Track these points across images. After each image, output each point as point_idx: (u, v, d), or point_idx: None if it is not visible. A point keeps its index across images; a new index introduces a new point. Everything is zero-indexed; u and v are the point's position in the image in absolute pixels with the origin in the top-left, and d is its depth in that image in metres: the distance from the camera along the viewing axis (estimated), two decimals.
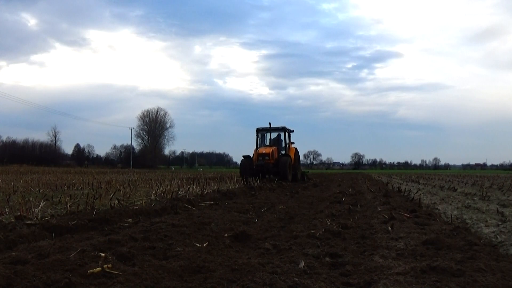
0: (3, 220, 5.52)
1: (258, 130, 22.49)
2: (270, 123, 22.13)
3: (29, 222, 5.34)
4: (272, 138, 22.99)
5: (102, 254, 3.47)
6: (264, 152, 20.63)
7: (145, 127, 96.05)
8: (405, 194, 12.02)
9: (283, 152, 22.27)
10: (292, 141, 23.03)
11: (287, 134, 22.87)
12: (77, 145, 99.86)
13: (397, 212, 6.84)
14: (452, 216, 7.13)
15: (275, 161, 20.69)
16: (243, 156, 21.96)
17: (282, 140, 22.65)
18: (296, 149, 23.14)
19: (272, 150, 20.75)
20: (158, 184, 14.99)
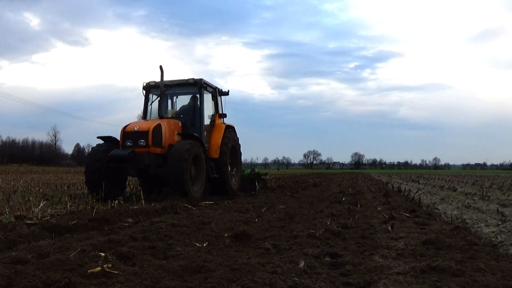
0: (3, 220, 5.52)
1: (149, 87, 11.31)
2: (161, 67, 10.51)
3: (29, 222, 5.34)
4: (182, 106, 11.76)
5: (102, 254, 3.47)
6: (136, 129, 9.73)
7: None
8: (405, 194, 12.02)
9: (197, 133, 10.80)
10: (223, 112, 12.14)
11: (211, 97, 11.93)
12: (77, 145, 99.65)
13: (397, 212, 6.84)
14: (452, 216, 7.13)
15: (165, 152, 9.78)
16: (99, 140, 10.42)
17: (197, 109, 11.24)
18: (228, 128, 11.94)
19: (155, 127, 9.71)
20: None
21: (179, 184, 9.18)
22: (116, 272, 3.13)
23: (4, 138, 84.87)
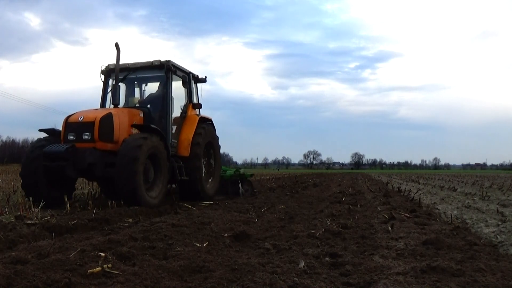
0: (3, 220, 5.52)
1: (109, 71, 9.43)
2: (117, 45, 8.61)
3: (29, 222, 5.34)
4: (151, 94, 10.01)
5: (102, 254, 3.47)
6: (80, 120, 8.14)
7: None
8: (405, 194, 12.01)
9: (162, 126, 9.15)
10: (198, 102, 10.41)
11: (182, 83, 9.91)
12: None
13: (397, 212, 6.84)
14: (452, 216, 7.13)
15: (117, 148, 7.96)
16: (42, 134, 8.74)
17: (164, 97, 9.37)
18: (202, 120, 10.22)
19: (104, 117, 8.09)
20: None
21: (129, 189, 7.46)
22: (116, 272, 3.13)
23: (4, 138, 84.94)
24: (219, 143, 11.11)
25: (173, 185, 10.56)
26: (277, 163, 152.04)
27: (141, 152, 7.62)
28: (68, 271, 3.08)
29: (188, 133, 9.66)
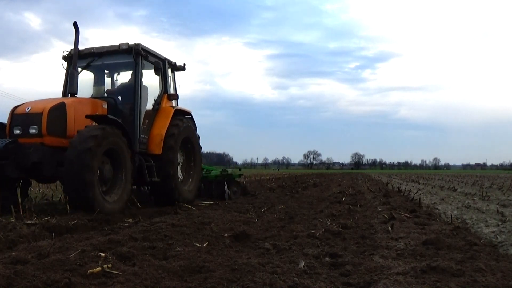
0: (3, 220, 5.51)
1: (72, 57, 7.96)
2: (75, 25, 7.67)
3: (29, 222, 5.34)
4: (122, 83, 8.96)
5: (102, 254, 3.48)
6: (27, 111, 7.04)
7: None
8: (405, 194, 12.01)
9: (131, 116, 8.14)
10: (176, 92, 9.38)
11: (154, 69, 8.48)
12: None
13: (397, 212, 6.84)
14: (452, 216, 7.14)
15: (70, 141, 6.65)
16: None
17: (135, 84, 8.18)
18: (179, 113, 9.10)
19: (54, 108, 7.01)
20: None
21: (78, 188, 6.26)
22: (116, 272, 3.13)
23: None
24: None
25: (147, 188, 9.35)
26: (277, 163, 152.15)
27: (95, 145, 6.39)
28: (68, 271, 3.09)
29: (161, 127, 8.45)
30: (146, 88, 8.55)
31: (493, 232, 5.49)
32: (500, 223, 6.28)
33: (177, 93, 9.36)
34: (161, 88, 9.00)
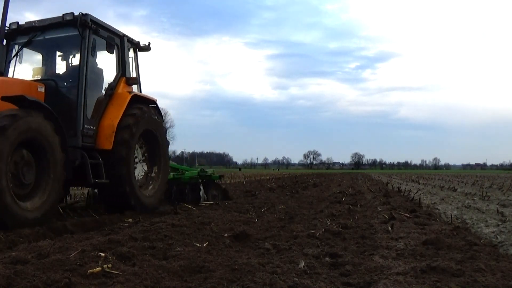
0: None
1: (13, 33, 7.18)
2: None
3: None
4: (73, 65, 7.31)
5: (102, 254, 3.47)
6: None
7: None
8: (405, 194, 12.02)
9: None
10: (138, 76, 8.17)
11: (106, 45, 7.24)
12: None
13: (397, 212, 6.84)
14: (452, 216, 7.14)
15: None
16: None
17: (81, 63, 6.78)
18: (138, 100, 7.64)
19: None
20: None
21: None
22: (116, 272, 3.13)
23: None
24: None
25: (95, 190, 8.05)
26: (277, 163, 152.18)
27: (5, 137, 5.10)
28: (68, 271, 3.08)
29: (113, 117, 7.01)
30: (101, 71, 7.33)
31: (493, 232, 5.49)
32: (500, 223, 6.28)
33: (135, 76, 7.92)
34: (117, 70, 7.58)
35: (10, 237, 4.51)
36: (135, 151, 7.46)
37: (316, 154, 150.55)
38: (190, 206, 8.09)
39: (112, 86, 7.34)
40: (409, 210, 7.44)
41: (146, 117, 7.50)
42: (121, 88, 7.41)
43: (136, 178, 7.37)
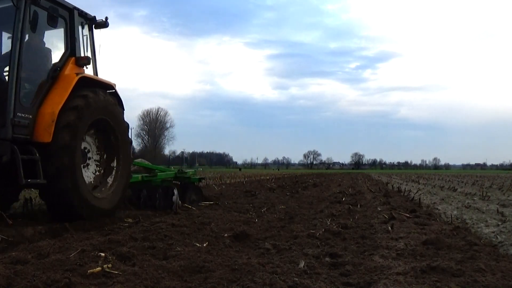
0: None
1: None
2: None
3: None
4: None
5: (102, 254, 3.47)
6: None
7: (145, 127, 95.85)
8: (405, 194, 12.02)
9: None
10: (94, 56, 6.91)
11: (48, 17, 5.85)
12: None
13: (397, 212, 6.84)
14: (452, 216, 7.14)
15: None
16: None
17: (14, 39, 5.52)
18: (88, 83, 6.27)
19: None
20: None
21: None
22: (116, 272, 3.13)
23: None
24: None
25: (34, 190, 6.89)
26: (277, 163, 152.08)
27: None
28: (68, 271, 3.08)
29: (55, 103, 5.78)
30: (48, 51, 6.32)
31: (493, 232, 5.49)
32: (500, 223, 6.28)
33: (87, 55, 6.63)
34: (65, 48, 6.40)
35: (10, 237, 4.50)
36: (88, 146, 6.36)
37: (316, 154, 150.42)
38: (190, 206, 8.08)
39: (57, 67, 6.13)
40: (409, 210, 7.44)
41: (99, 104, 6.23)
42: (69, 69, 6.20)
43: (87, 178, 6.22)
